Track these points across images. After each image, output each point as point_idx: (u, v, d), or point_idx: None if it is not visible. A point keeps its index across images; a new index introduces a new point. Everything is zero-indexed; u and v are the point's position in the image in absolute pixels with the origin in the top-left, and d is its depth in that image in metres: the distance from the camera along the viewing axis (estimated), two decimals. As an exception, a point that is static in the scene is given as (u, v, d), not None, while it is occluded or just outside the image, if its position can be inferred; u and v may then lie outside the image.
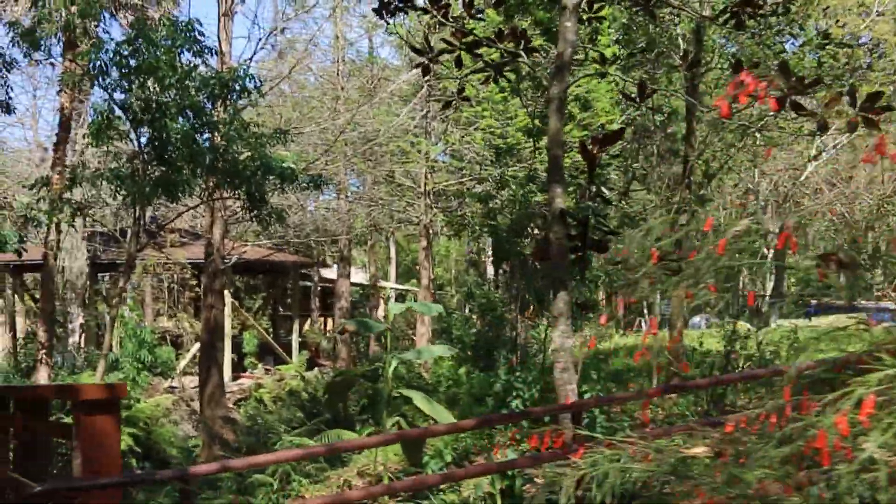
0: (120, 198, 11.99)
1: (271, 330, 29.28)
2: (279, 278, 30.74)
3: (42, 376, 12.38)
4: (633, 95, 9.22)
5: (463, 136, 17.39)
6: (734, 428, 2.92)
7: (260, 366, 25.45)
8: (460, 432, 8.07)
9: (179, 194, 9.89)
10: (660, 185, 12.23)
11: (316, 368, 27.34)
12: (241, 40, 45.82)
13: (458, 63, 10.06)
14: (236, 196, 11.16)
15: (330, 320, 38.71)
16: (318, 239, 22.64)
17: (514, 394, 9.59)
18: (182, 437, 20.44)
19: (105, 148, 10.76)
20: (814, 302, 43.09)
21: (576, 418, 9.02)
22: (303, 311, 32.09)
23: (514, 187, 13.25)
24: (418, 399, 6.54)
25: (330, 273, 38.50)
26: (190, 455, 16.56)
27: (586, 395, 10.29)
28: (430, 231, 19.30)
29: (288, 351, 27.59)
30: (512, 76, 12.81)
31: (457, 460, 9.09)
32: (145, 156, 10.31)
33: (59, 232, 11.82)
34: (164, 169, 9.93)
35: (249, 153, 10.79)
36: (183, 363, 22.98)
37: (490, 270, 45.02)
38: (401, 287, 45.81)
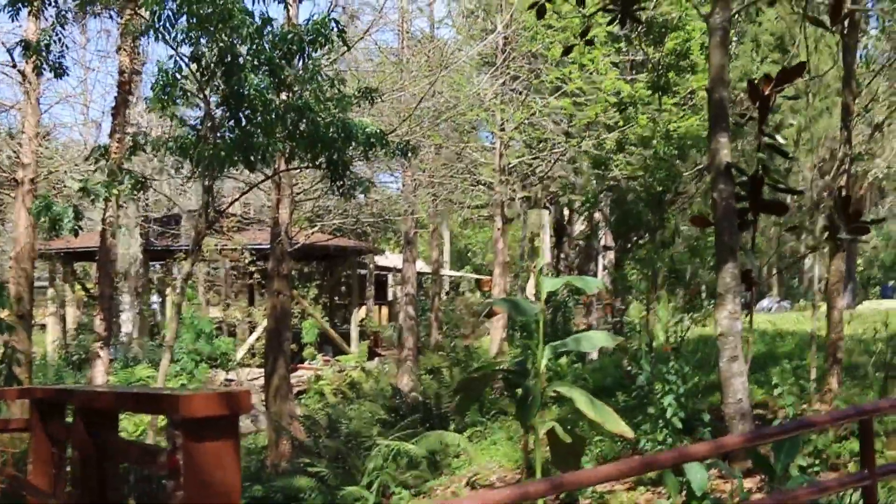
0: (185, 170, 10.79)
1: (327, 319, 28.15)
2: (335, 265, 29.59)
3: (98, 371, 11.17)
4: (821, 20, 7.74)
5: (545, 106, 15.94)
6: None
7: (319, 356, 24.32)
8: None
9: (259, 160, 8.60)
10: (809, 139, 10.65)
11: (377, 359, 26.18)
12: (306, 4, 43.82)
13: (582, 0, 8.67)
14: (317, 165, 9.83)
15: (385, 309, 37.61)
16: (384, 219, 21.29)
17: (667, 388, 8.12)
18: (241, 433, 19.35)
19: (168, 113, 9.52)
20: (891, 283, 40.95)
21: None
22: (358, 300, 30.99)
23: (655, 143, 11.70)
24: (581, 400, 5.15)
25: (384, 260, 37.38)
26: (255, 454, 15.37)
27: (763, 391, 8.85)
28: (505, 209, 17.89)
29: (346, 340, 26.46)
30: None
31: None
32: (216, 118, 9.05)
33: (118, 207, 10.60)
34: (238, 132, 8.65)
35: (330, 117, 9.47)
36: (240, 354, 21.91)
37: (547, 256, 43.62)
38: (457, 274, 44.57)
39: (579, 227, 32.36)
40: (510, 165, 17.55)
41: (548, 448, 5.85)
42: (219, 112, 9.27)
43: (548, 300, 26.24)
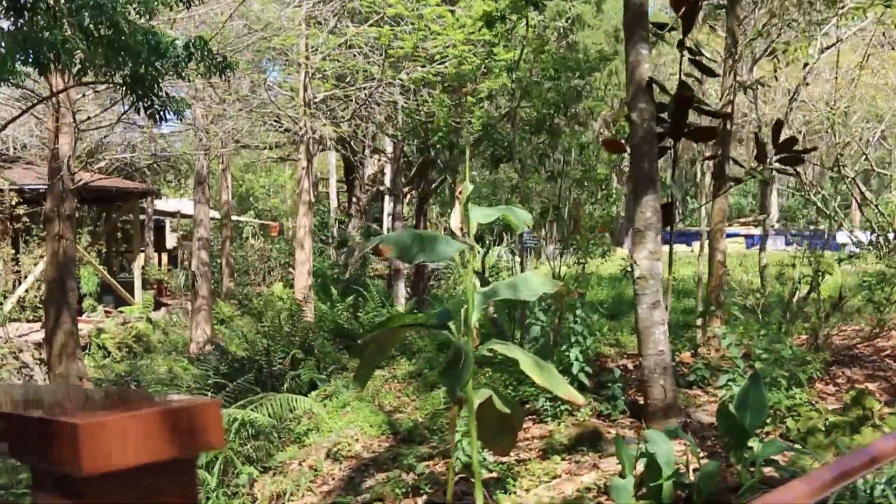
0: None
1: (105, 267, 25.63)
2: (111, 209, 26.89)
3: None
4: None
5: (358, 34, 14.83)
6: None
7: (100, 308, 22.05)
8: None
9: (51, 60, 6.93)
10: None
11: (163, 309, 24.24)
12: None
13: None
14: (115, 82, 8.23)
15: (165, 256, 35.12)
16: (168, 158, 19.31)
17: (573, 339, 7.31)
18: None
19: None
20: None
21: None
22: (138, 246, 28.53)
23: (543, 58, 10.58)
24: (525, 361, 4.18)
25: (161, 204, 34.82)
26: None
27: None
28: (311, 146, 16.66)
29: (129, 290, 24.21)
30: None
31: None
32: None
33: None
34: (20, 25, 6.92)
35: (132, 24, 7.92)
36: (7, 307, 19.29)
37: (334, 200, 42.43)
38: (240, 219, 42.43)
39: (370, 169, 31.47)
40: (317, 99, 16.33)
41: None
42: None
43: (344, 244, 24.94)
